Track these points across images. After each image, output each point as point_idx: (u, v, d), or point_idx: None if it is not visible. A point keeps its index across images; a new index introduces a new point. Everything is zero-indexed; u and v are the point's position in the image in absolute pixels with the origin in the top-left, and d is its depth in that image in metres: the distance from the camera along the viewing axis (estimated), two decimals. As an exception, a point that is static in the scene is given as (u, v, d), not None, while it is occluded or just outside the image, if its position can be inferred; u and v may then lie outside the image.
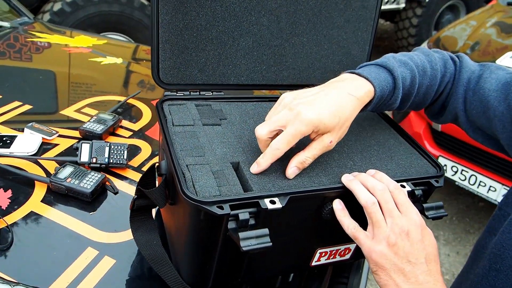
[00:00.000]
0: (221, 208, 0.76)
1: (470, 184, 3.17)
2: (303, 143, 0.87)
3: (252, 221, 0.79)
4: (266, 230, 0.77)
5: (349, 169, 0.94)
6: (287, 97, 0.88)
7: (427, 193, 0.97)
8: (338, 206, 0.87)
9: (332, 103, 0.86)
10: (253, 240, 0.76)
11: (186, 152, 0.89)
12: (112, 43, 2.52)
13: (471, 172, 3.14)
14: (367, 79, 0.91)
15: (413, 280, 0.79)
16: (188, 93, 1.08)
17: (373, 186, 0.85)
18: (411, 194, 0.93)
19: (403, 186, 0.91)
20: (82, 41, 2.29)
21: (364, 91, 0.89)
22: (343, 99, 0.87)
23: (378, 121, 1.16)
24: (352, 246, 1.06)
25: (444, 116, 1.08)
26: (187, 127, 0.97)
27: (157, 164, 0.93)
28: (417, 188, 0.94)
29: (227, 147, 0.93)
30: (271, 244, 0.77)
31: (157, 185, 0.92)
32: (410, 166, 1.00)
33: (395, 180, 0.89)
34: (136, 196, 0.95)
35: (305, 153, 0.88)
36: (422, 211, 0.93)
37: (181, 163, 0.85)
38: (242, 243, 0.75)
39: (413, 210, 0.84)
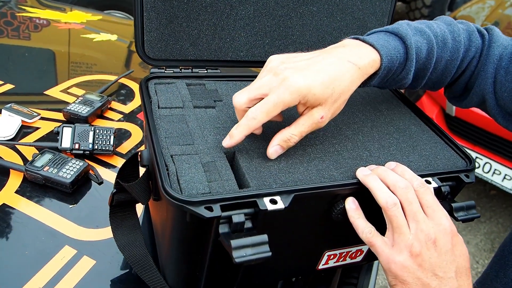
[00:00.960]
0: (210, 209, 0.62)
1: (484, 172, 3.08)
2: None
3: (248, 224, 0.66)
4: (264, 237, 0.64)
5: (365, 161, 0.81)
6: (274, 60, 0.74)
7: (456, 190, 0.84)
8: (352, 205, 0.74)
9: (327, 71, 0.71)
10: (249, 249, 0.62)
11: (172, 139, 0.75)
12: (108, 19, 2.37)
13: (485, 160, 3.05)
14: (373, 46, 0.76)
15: None
16: (178, 70, 0.95)
17: (394, 183, 0.72)
18: (437, 192, 0.79)
19: (428, 182, 0.78)
20: (75, 17, 2.15)
21: (367, 60, 0.75)
22: (341, 67, 0.72)
23: (397, 104, 1.02)
24: (365, 248, 0.93)
25: (469, 99, 0.94)
26: (175, 109, 0.83)
27: (140, 153, 0.79)
28: (444, 184, 0.81)
29: (222, 134, 0.79)
30: (270, 254, 0.63)
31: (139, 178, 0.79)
32: (436, 157, 0.87)
33: (419, 175, 0.76)
34: (115, 190, 0.82)
35: (291, 129, 0.74)
36: (450, 212, 0.80)
37: (165, 153, 0.72)
38: (235, 253, 0.61)
39: (442, 213, 0.71)
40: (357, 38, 0.80)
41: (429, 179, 0.79)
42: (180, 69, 0.94)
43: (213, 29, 0.93)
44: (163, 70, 0.93)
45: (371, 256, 0.96)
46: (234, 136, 0.72)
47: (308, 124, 0.73)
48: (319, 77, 0.70)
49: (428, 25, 0.86)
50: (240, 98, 0.72)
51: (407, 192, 0.71)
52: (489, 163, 3.05)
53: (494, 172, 3.03)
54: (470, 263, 2.98)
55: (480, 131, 3.06)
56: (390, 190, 0.71)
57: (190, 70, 0.94)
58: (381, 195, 0.71)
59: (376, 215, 0.73)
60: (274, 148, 0.75)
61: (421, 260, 0.68)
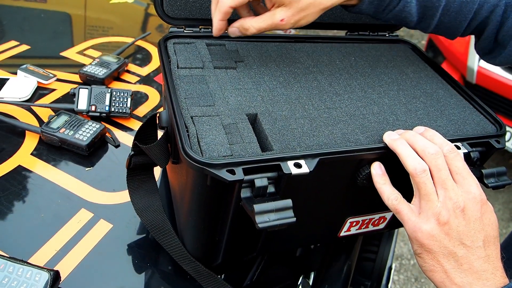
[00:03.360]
0: (232, 172, 0.60)
1: (506, 140, 3.01)
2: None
3: (271, 189, 0.63)
4: (289, 202, 0.61)
5: (391, 125, 0.78)
6: None
7: (485, 156, 0.81)
8: (378, 171, 0.71)
9: None
10: (272, 214, 0.60)
11: (191, 100, 0.72)
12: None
13: (507, 128, 2.97)
14: None
15: (466, 267, 0.64)
16: (198, 29, 0.91)
17: (423, 148, 0.68)
18: (466, 157, 0.76)
19: (457, 148, 0.75)
20: (91, -21, 2.11)
21: None
22: None
23: (424, 68, 0.98)
24: (388, 215, 0.91)
25: (504, 55, 0.86)
26: (195, 70, 0.80)
27: (158, 115, 0.77)
28: (474, 149, 0.78)
29: (243, 96, 0.76)
30: (294, 219, 0.61)
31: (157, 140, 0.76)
32: (464, 122, 0.83)
33: (448, 140, 0.72)
34: (133, 153, 0.80)
35: (252, 21, 0.75)
36: (480, 178, 0.77)
37: (185, 114, 0.69)
38: (258, 218, 0.58)
39: (472, 181, 0.68)
40: None
41: (458, 144, 0.76)
42: (200, 29, 0.91)
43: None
44: (182, 30, 0.89)
45: (394, 224, 0.94)
46: (214, 25, 0.76)
47: (267, 22, 0.74)
48: None
49: None
50: None
51: (437, 158, 0.67)
52: (510, 131, 3.00)
53: (514, 141, 2.98)
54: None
55: (501, 99, 2.99)
56: (419, 155, 0.68)
57: (210, 30, 0.91)
58: (410, 161, 0.67)
59: (402, 181, 0.70)
60: (232, 29, 0.78)
61: (448, 229, 0.65)
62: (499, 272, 0.65)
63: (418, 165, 0.67)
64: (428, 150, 0.68)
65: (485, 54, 0.90)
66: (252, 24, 0.75)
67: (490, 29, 0.84)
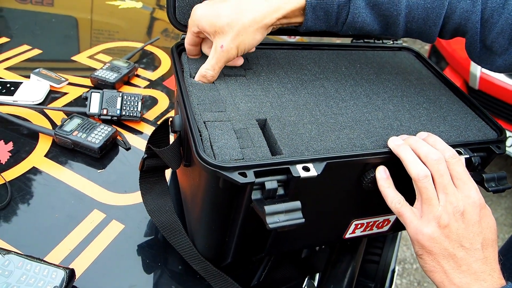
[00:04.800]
0: (244, 175, 0.62)
1: (507, 146, 3.02)
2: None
3: (280, 191, 0.66)
4: (298, 203, 0.64)
5: (396, 130, 0.81)
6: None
7: (486, 161, 0.84)
8: (383, 175, 0.74)
9: (231, 5, 0.77)
10: (282, 215, 0.62)
11: (204, 106, 0.75)
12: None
13: (508, 134, 3.01)
14: None
15: (465, 268, 0.67)
16: (209, 37, 0.93)
17: (426, 154, 0.71)
18: (468, 162, 0.79)
19: (459, 153, 0.77)
20: (100, -17, 2.14)
21: None
22: (251, 2, 0.77)
23: (427, 75, 1.01)
24: (392, 218, 0.93)
25: (500, 63, 0.84)
26: None
27: (170, 119, 0.79)
28: (475, 154, 0.80)
29: (253, 102, 0.79)
30: (303, 220, 0.63)
31: (170, 143, 0.79)
32: (466, 128, 0.86)
33: (450, 145, 0.75)
34: (146, 155, 0.83)
35: (204, 65, 0.81)
36: (481, 182, 0.80)
37: (198, 119, 0.72)
38: (268, 219, 0.61)
39: (472, 186, 0.71)
40: None
41: (460, 149, 0.79)
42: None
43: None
44: (194, 37, 0.92)
45: (397, 226, 0.96)
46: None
47: (214, 55, 0.79)
48: (215, 7, 0.77)
49: None
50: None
51: (439, 164, 0.70)
52: (512, 137, 3.02)
53: (517, 147, 3.00)
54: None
55: (503, 105, 3.01)
56: (422, 161, 0.71)
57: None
58: (413, 167, 0.70)
59: (405, 185, 0.73)
60: (197, 79, 0.82)
61: (448, 232, 0.68)
62: (496, 274, 0.68)
63: (421, 171, 0.70)
64: (430, 156, 0.71)
65: (477, 60, 0.89)
66: (205, 67, 0.80)
67: (470, 36, 0.83)
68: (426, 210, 0.70)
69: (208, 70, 0.80)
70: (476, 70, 3.03)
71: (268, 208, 0.62)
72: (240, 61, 0.85)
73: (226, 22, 0.76)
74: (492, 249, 0.70)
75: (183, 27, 0.90)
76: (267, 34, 0.82)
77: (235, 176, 0.62)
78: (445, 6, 0.80)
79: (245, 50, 0.80)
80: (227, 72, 0.85)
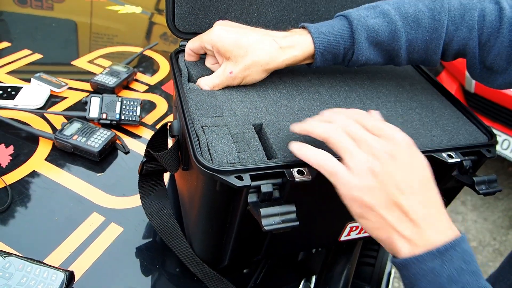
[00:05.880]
0: (240, 178, 0.64)
1: (502, 148, 3.08)
2: None
3: (276, 194, 0.68)
4: (292, 207, 0.65)
5: (389, 135, 0.82)
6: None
7: (477, 165, 0.85)
8: (295, 145, 0.68)
9: (247, 37, 0.81)
10: (277, 217, 0.64)
11: (201, 111, 0.77)
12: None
13: (504, 137, 3.04)
14: (309, 32, 0.83)
15: (412, 216, 0.60)
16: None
17: (328, 119, 0.68)
18: (459, 166, 0.80)
19: (451, 157, 0.79)
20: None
21: (294, 43, 0.82)
22: (263, 41, 0.81)
23: (420, 80, 1.03)
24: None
25: (501, 81, 0.86)
26: None
27: (169, 124, 0.81)
28: (466, 158, 0.81)
29: (249, 107, 0.81)
30: (298, 223, 0.65)
31: (169, 148, 0.80)
32: (458, 132, 0.87)
33: (442, 149, 0.78)
34: (145, 159, 0.84)
35: (207, 78, 0.84)
36: (472, 185, 0.81)
37: (196, 124, 0.73)
38: (264, 221, 0.63)
39: (390, 128, 0.65)
40: (304, 27, 0.85)
41: (452, 153, 0.80)
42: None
43: (241, 4, 0.93)
44: (192, 43, 0.94)
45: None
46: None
47: (219, 75, 0.83)
48: (235, 35, 0.81)
49: (399, 5, 0.84)
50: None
51: (346, 120, 0.66)
52: (508, 140, 3.03)
53: (513, 149, 3.03)
54: (488, 240, 2.97)
55: (499, 108, 3.03)
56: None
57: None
58: (318, 129, 0.67)
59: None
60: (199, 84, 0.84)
61: (383, 178, 0.61)
62: (444, 217, 0.62)
63: (328, 127, 0.66)
64: (334, 118, 0.68)
65: (479, 79, 0.90)
66: (205, 81, 0.84)
67: (470, 58, 0.86)
68: (352, 162, 0.62)
69: (208, 85, 0.83)
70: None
71: (263, 211, 0.63)
72: (236, 81, 0.86)
73: (241, 53, 0.80)
74: (433, 191, 0.64)
75: (182, 34, 0.92)
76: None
77: (232, 180, 0.63)
78: (442, 37, 0.84)
79: (247, 83, 0.85)
80: None
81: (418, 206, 0.61)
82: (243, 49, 0.80)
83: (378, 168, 0.61)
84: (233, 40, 0.80)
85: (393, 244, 0.61)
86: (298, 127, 0.70)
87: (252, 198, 0.67)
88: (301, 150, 0.66)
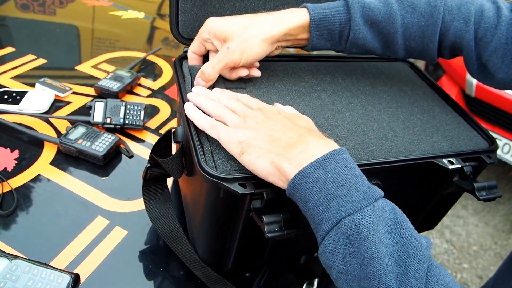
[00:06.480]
0: (244, 186, 0.65)
1: (503, 153, 3.08)
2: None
3: (279, 201, 0.68)
4: (295, 213, 0.67)
5: (390, 141, 0.83)
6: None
7: (478, 170, 0.86)
8: (187, 105, 0.77)
9: (244, 18, 0.85)
10: (280, 224, 0.65)
11: None
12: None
13: (505, 141, 3.04)
14: (305, 7, 0.86)
15: (288, 141, 0.66)
16: (210, 50, 0.96)
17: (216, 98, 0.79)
18: (460, 171, 0.81)
19: (451, 163, 0.80)
20: (103, -7, 2.17)
21: (289, 15, 0.85)
22: (260, 16, 0.85)
23: (421, 85, 1.04)
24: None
25: (499, 81, 0.86)
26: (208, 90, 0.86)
27: (173, 130, 0.82)
28: (467, 164, 0.82)
29: None
30: (299, 229, 0.66)
31: (173, 153, 0.81)
32: (459, 138, 0.89)
33: (443, 155, 0.79)
34: (149, 165, 0.85)
35: (207, 63, 0.85)
36: (472, 191, 0.82)
37: (200, 130, 0.75)
38: (267, 228, 0.64)
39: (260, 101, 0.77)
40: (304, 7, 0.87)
41: (452, 159, 0.81)
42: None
43: (245, 11, 0.95)
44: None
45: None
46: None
47: (217, 55, 0.84)
48: (230, 19, 0.84)
49: None
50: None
51: (227, 99, 0.77)
52: (509, 144, 3.03)
53: (514, 153, 3.03)
54: (489, 244, 2.95)
55: (499, 112, 3.04)
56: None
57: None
58: (206, 106, 0.76)
59: (403, 191, 0.74)
60: (196, 80, 0.85)
61: (254, 124, 0.69)
62: (321, 140, 0.66)
63: (214, 104, 0.76)
64: (218, 97, 0.79)
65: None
66: (206, 64, 0.84)
67: (466, 53, 0.87)
68: (230, 120, 0.71)
69: (207, 67, 0.83)
70: (473, 78, 3.05)
71: (266, 218, 0.65)
72: (243, 72, 0.87)
73: (236, 30, 0.82)
74: (302, 131, 0.68)
75: (186, 41, 0.93)
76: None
77: (235, 187, 0.64)
78: (438, 24, 0.85)
79: (249, 59, 0.84)
80: (229, 84, 0.88)
81: (291, 134, 0.66)
82: (236, 26, 0.83)
83: (251, 121, 0.69)
84: (228, 21, 0.84)
85: (279, 167, 0.63)
86: (188, 104, 0.77)
87: (255, 204, 0.68)
88: (189, 109, 0.76)
